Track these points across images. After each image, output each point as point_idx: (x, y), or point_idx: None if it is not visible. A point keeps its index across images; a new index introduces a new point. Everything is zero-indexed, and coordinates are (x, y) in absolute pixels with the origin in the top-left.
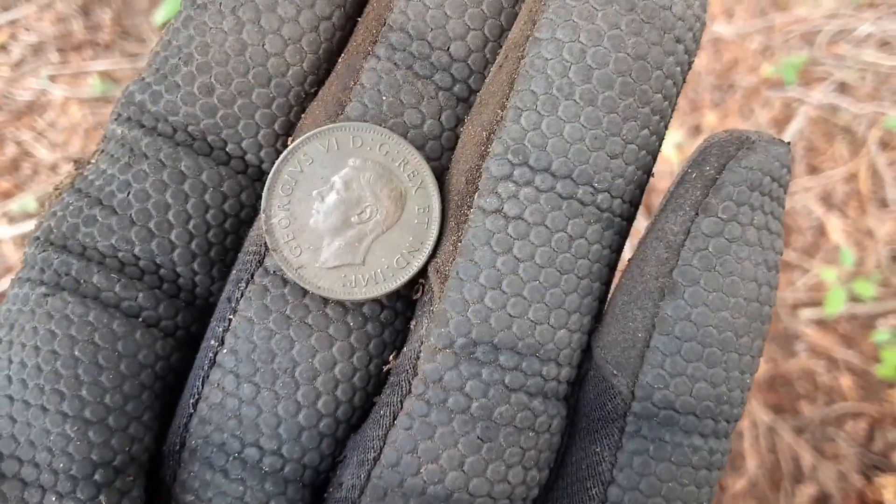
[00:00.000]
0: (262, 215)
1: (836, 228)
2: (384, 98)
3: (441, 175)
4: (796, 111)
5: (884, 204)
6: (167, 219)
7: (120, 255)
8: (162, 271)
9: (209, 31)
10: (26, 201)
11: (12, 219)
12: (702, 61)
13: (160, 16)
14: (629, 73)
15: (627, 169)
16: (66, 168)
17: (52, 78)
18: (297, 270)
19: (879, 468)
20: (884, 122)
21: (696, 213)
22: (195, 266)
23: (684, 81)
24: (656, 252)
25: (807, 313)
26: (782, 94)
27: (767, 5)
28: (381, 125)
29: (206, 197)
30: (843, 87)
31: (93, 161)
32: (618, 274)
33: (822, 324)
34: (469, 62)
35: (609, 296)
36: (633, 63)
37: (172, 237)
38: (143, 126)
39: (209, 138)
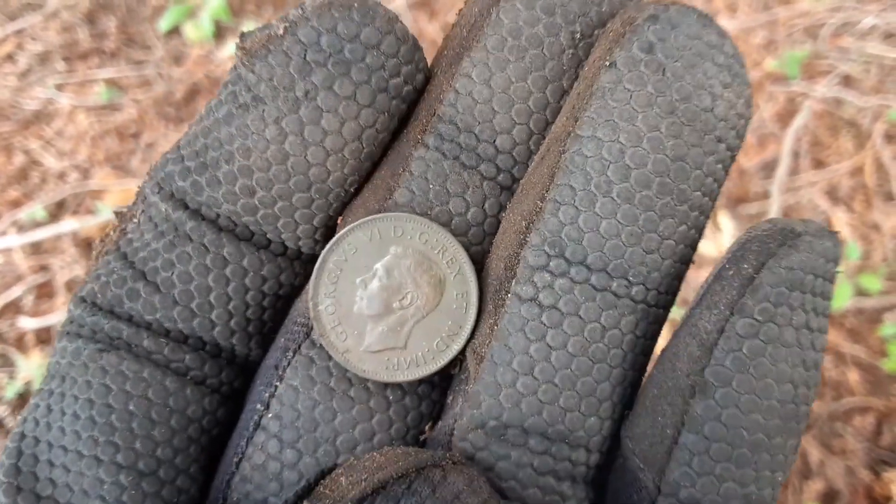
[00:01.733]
0: (309, 302)
1: (842, 222)
2: (431, 186)
3: (483, 259)
4: (800, 105)
5: (889, 197)
6: (209, 300)
7: (166, 325)
8: (204, 343)
9: (251, 136)
10: (35, 210)
11: (21, 227)
12: None
13: (164, 23)
14: (667, 174)
15: (664, 263)
16: (74, 176)
17: (59, 87)
18: (343, 354)
19: (887, 463)
20: (888, 115)
21: (731, 313)
22: (234, 340)
23: (727, 174)
24: (689, 349)
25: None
26: (786, 89)
27: None
28: (427, 212)
29: (247, 280)
30: (847, 81)
31: (136, 220)
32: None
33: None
34: (514, 153)
35: (642, 384)
36: (671, 164)
37: (213, 317)
38: (187, 208)
39: (251, 227)
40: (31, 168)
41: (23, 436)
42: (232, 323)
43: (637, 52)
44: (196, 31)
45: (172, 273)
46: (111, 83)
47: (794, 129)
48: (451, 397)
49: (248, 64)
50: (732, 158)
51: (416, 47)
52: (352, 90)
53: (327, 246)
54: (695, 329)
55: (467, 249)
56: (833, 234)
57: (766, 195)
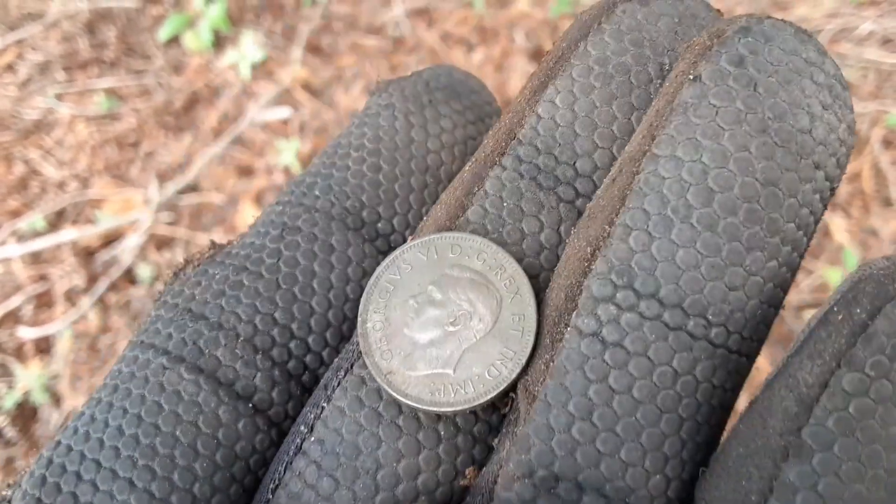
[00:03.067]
0: (358, 318)
1: (840, 228)
2: (505, 204)
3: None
4: None
5: (888, 203)
6: (311, 284)
7: (257, 318)
8: (293, 343)
9: (383, 129)
10: (34, 220)
11: (21, 237)
12: None
13: (164, 33)
14: (757, 200)
15: (749, 303)
16: (74, 185)
17: (59, 96)
18: (387, 376)
19: None
20: (887, 121)
21: (838, 365)
22: (327, 336)
23: (825, 209)
24: (784, 404)
25: (811, 315)
26: None
27: (767, 5)
28: (499, 229)
29: (349, 270)
30: None
31: (235, 241)
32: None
33: None
34: (594, 178)
35: (722, 442)
36: (761, 189)
37: (314, 303)
38: (302, 204)
39: (363, 213)
40: (30, 177)
41: (58, 444)
42: (330, 314)
43: (725, 66)
44: (195, 40)
45: (279, 259)
46: (111, 92)
47: None
48: (497, 441)
49: (382, 86)
50: (832, 192)
51: (494, 99)
52: (461, 107)
53: (382, 263)
54: (792, 381)
55: (538, 274)
56: None
57: None
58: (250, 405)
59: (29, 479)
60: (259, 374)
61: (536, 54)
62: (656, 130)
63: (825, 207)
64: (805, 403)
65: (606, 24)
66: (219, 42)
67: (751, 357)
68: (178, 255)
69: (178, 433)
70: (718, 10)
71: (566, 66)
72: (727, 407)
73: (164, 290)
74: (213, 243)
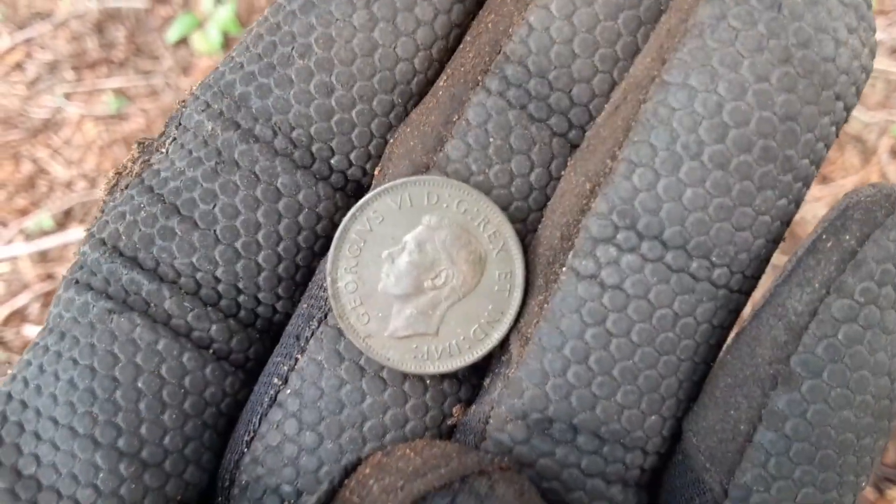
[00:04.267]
0: (327, 277)
1: None
2: (491, 140)
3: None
4: None
5: None
6: (256, 239)
7: (198, 275)
8: (242, 297)
9: (335, 24)
10: (42, 218)
11: (28, 236)
12: None
13: (173, 34)
14: (773, 136)
15: (755, 243)
16: (82, 185)
17: (68, 96)
18: (364, 340)
19: (892, 480)
20: (893, 131)
21: (827, 292)
22: (279, 290)
23: (838, 136)
24: (773, 332)
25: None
26: None
27: None
28: (485, 171)
29: (300, 218)
30: None
31: (163, 150)
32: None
33: None
34: (591, 108)
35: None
36: (780, 125)
37: (260, 259)
38: (238, 126)
39: (314, 147)
40: (38, 177)
41: (9, 397)
42: (280, 269)
43: None
44: (204, 42)
45: (215, 206)
46: (119, 93)
47: None
48: (488, 379)
49: None
50: (846, 120)
51: None
52: None
53: (349, 213)
54: (781, 309)
55: (525, 217)
56: None
57: None
58: (211, 352)
59: None
60: (214, 326)
61: None
62: (667, 53)
63: (838, 136)
64: (794, 331)
65: None
66: (228, 44)
67: (748, 294)
68: None
69: (139, 384)
70: None
71: None
72: (721, 344)
73: (97, 217)
74: (140, 146)
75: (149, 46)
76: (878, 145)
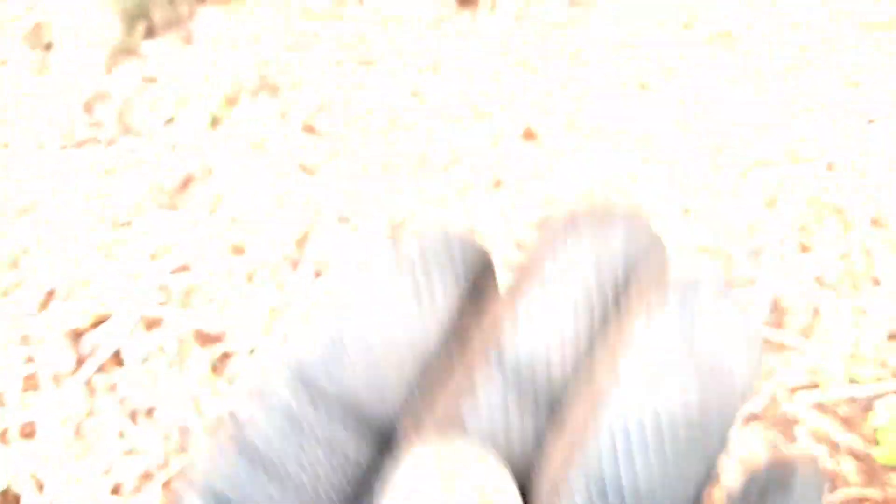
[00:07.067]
0: None
1: (831, 309)
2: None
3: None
4: (787, 190)
5: (876, 282)
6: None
7: None
8: None
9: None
10: (23, 299)
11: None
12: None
13: (161, 113)
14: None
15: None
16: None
17: None
18: None
19: None
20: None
21: None
22: None
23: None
24: None
25: (805, 396)
26: (775, 172)
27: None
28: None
29: (350, 471)
30: (831, 166)
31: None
32: None
33: (821, 407)
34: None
35: None
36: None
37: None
38: (314, 403)
39: (365, 413)
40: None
41: None
42: None
43: (671, 322)
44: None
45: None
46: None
47: (780, 215)
48: None
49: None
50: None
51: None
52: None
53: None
54: None
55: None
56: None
57: (751, 280)
58: None
59: None
60: None
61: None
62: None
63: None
64: None
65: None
66: (214, 122)
67: None
68: (168, 335)
69: None
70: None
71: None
72: None
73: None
74: (231, 416)
75: (136, 125)
76: (857, 215)
